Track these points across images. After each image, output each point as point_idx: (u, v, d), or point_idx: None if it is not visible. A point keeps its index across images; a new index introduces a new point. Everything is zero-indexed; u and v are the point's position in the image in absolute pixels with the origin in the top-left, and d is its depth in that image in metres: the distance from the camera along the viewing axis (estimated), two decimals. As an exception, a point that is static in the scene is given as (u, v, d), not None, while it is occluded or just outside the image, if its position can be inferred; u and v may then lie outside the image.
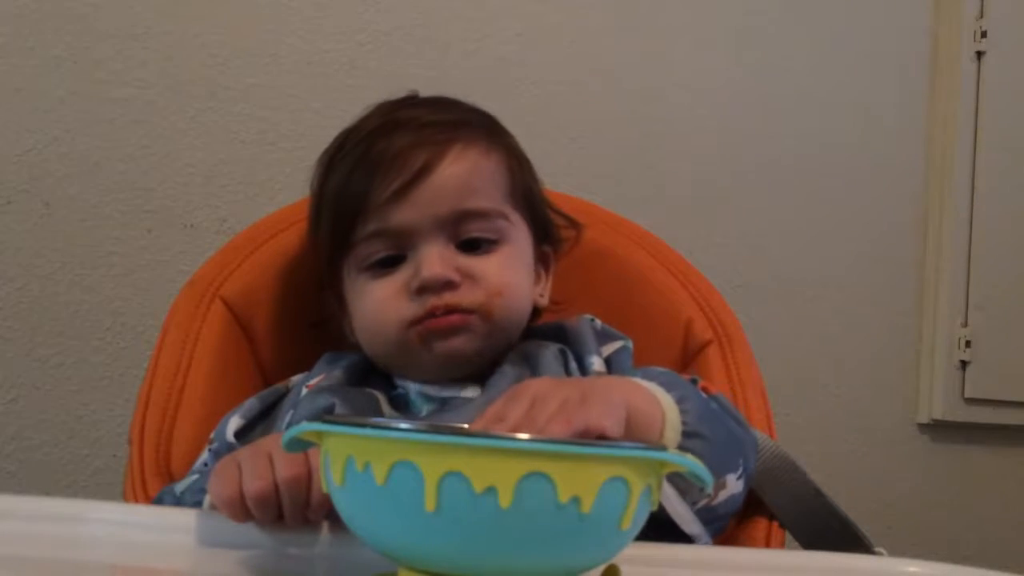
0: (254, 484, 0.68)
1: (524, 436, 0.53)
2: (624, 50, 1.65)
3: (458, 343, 0.86)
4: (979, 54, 1.84)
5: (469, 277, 0.86)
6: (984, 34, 1.84)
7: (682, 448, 0.76)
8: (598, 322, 0.97)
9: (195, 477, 0.84)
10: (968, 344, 1.82)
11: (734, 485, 0.80)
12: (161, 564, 0.69)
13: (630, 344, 0.95)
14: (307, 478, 0.68)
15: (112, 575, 0.69)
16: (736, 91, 1.73)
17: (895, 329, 1.83)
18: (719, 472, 0.79)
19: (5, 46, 1.35)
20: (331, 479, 0.55)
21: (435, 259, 0.85)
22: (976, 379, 1.83)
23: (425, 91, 0.97)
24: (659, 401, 0.76)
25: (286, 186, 1.44)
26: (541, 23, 1.60)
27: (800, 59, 1.77)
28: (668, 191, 1.66)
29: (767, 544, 0.91)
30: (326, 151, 0.95)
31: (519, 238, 0.92)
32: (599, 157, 1.60)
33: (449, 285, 0.85)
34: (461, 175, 0.88)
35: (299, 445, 0.58)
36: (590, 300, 1.01)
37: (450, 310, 0.85)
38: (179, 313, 0.98)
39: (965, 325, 1.82)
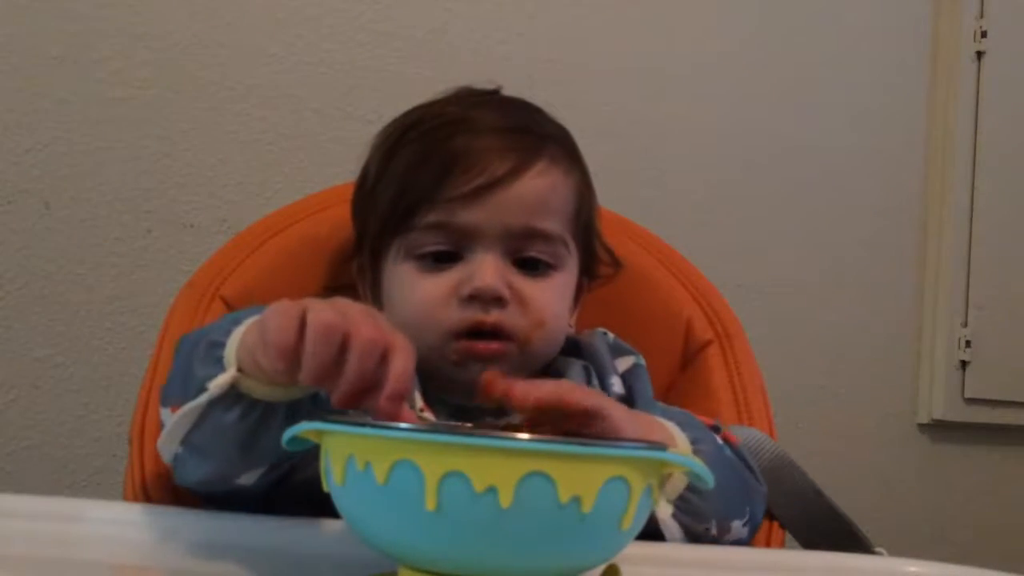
0: (323, 314, 0.59)
1: (525, 436, 0.53)
2: (625, 50, 1.65)
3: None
4: (979, 54, 1.84)
5: (518, 298, 0.84)
6: (984, 34, 1.84)
7: (688, 489, 0.78)
8: (610, 335, 0.96)
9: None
10: (968, 344, 1.82)
11: (739, 531, 0.80)
12: (161, 564, 0.69)
13: (642, 361, 0.94)
14: (386, 343, 0.59)
15: (112, 575, 0.69)
16: (736, 91, 1.73)
17: (895, 329, 1.83)
18: (725, 517, 0.80)
19: (5, 46, 1.35)
20: (332, 478, 0.55)
21: (492, 270, 0.83)
22: (976, 379, 1.83)
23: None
24: (673, 439, 0.77)
25: (286, 186, 1.44)
26: (541, 23, 1.60)
27: (800, 59, 1.77)
28: (668, 191, 1.66)
29: (767, 544, 0.91)
30: (396, 124, 0.91)
31: (570, 267, 0.89)
32: (599, 157, 1.58)
33: (499, 301, 0.83)
34: (541, 191, 0.85)
35: (300, 444, 0.58)
36: (590, 300, 1.01)
37: (494, 332, 0.83)
38: (179, 313, 0.97)
39: (965, 325, 1.82)
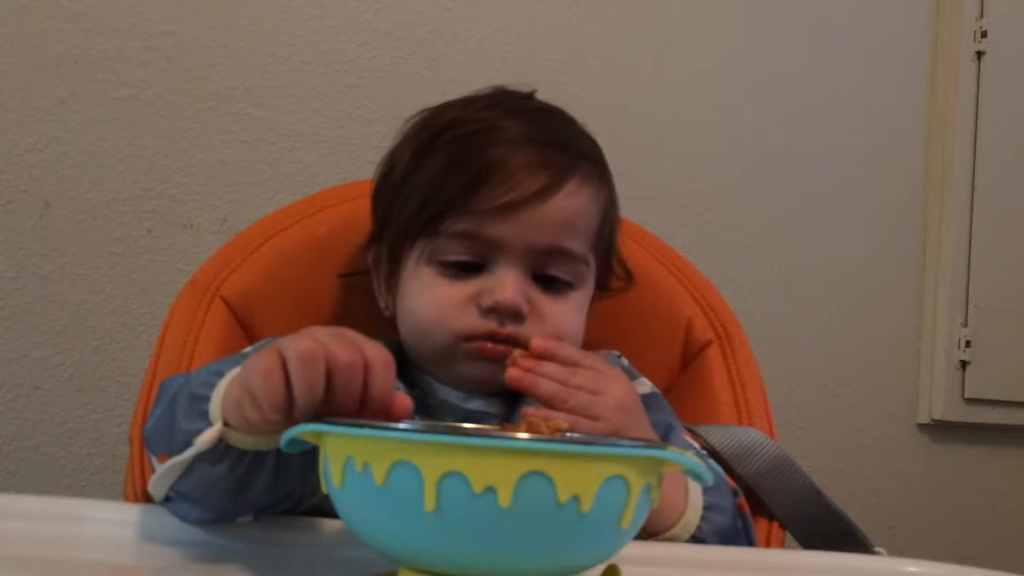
0: (299, 346, 0.59)
1: (523, 435, 0.53)
2: (624, 50, 1.65)
3: (500, 372, 0.83)
4: (979, 54, 1.84)
5: (537, 314, 0.85)
6: (984, 34, 1.83)
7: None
8: (625, 360, 0.97)
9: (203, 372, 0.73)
10: (968, 344, 1.82)
11: None
12: (161, 564, 0.69)
13: (658, 390, 0.96)
14: (364, 361, 0.61)
15: (112, 575, 0.69)
16: (736, 91, 1.72)
17: (895, 329, 1.83)
18: None
19: (5, 46, 1.35)
20: (331, 479, 0.55)
21: (514, 286, 0.83)
22: (976, 379, 1.83)
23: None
24: (687, 496, 0.79)
25: (286, 186, 1.44)
26: (541, 23, 1.60)
27: (800, 59, 1.77)
28: (668, 190, 1.66)
29: (767, 544, 0.91)
30: (429, 121, 0.91)
31: (588, 284, 0.90)
32: (599, 157, 1.60)
33: (517, 316, 0.84)
34: (570, 212, 0.86)
35: (299, 445, 0.58)
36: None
37: (506, 342, 0.83)
38: (179, 313, 0.97)
39: (965, 325, 1.82)
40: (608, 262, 0.95)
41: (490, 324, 0.84)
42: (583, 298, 0.90)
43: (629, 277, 0.98)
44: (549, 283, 0.86)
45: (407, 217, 0.87)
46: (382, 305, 0.93)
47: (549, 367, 0.79)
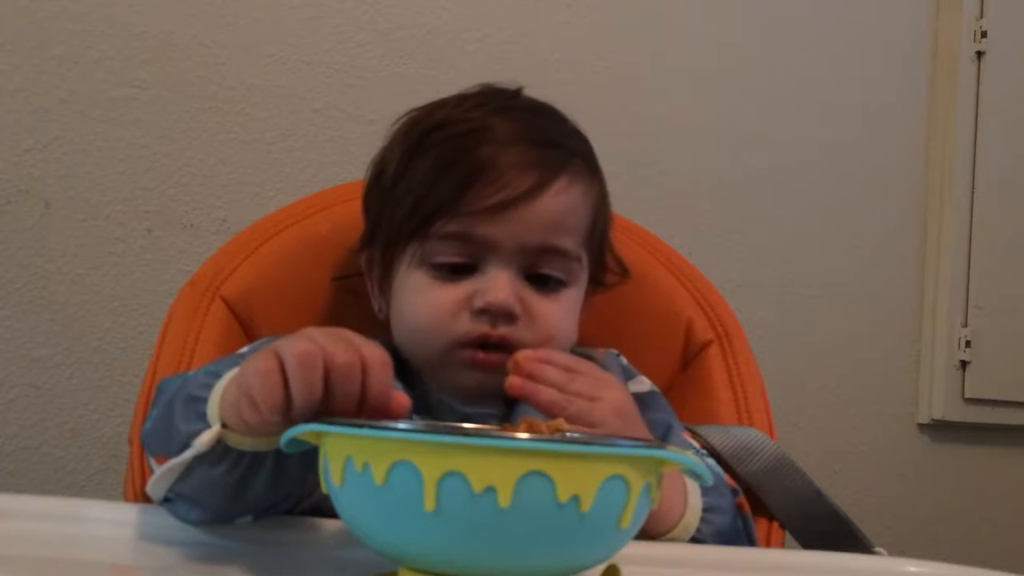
0: (297, 347, 0.59)
1: (523, 435, 0.53)
2: (625, 51, 1.65)
3: (493, 381, 0.83)
4: (979, 54, 1.84)
5: (529, 314, 0.84)
6: (984, 34, 1.84)
7: None
8: (623, 359, 0.97)
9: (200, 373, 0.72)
10: (968, 344, 1.82)
11: None
12: (161, 564, 0.69)
13: (657, 389, 0.96)
14: (361, 362, 0.60)
15: (112, 575, 0.69)
16: (736, 91, 1.73)
17: (895, 329, 1.83)
18: None
19: (5, 46, 1.35)
20: (330, 479, 0.55)
21: (506, 286, 0.83)
22: (976, 379, 1.83)
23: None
24: (687, 498, 0.79)
25: (286, 186, 1.44)
26: (541, 23, 1.60)
27: (800, 59, 1.77)
28: (668, 191, 1.66)
29: (767, 544, 0.91)
30: (418, 122, 0.90)
31: (581, 281, 0.90)
32: (599, 157, 1.59)
33: (510, 317, 0.83)
34: (561, 209, 0.85)
35: (298, 445, 0.58)
36: (590, 300, 1.01)
37: (499, 344, 0.83)
38: (179, 313, 0.97)
39: (965, 325, 1.82)
40: (601, 258, 0.95)
41: (482, 327, 0.83)
42: (576, 295, 0.89)
43: (624, 271, 0.98)
44: (542, 282, 0.86)
45: (399, 220, 0.87)
46: (376, 308, 0.93)
47: (550, 371, 0.79)
